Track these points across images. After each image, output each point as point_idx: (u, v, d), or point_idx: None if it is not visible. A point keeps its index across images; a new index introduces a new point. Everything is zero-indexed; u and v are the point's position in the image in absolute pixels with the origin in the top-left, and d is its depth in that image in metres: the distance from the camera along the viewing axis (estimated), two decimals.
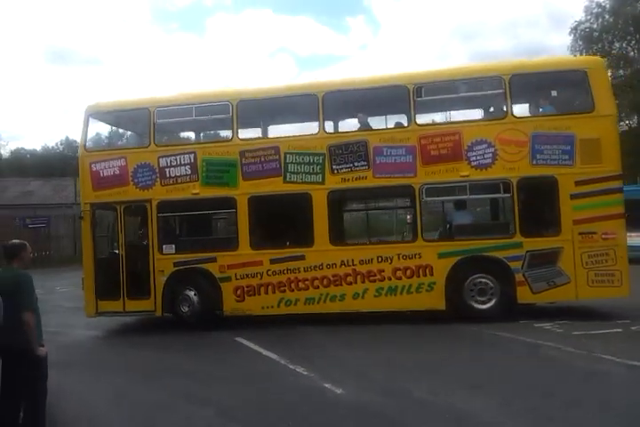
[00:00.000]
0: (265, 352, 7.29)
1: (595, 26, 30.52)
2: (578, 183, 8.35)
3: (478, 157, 8.61)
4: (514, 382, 5.63)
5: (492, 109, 9.13)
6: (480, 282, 8.61)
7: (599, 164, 8.32)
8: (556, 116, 8.62)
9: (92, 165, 9.55)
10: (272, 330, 8.74)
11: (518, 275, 8.43)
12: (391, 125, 9.30)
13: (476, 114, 9.50)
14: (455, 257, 8.59)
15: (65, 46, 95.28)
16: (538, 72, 8.73)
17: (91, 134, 10.02)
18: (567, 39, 32.02)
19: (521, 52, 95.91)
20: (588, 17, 30.71)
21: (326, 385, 5.65)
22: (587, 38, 30.44)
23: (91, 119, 9.77)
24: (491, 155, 8.58)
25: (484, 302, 8.61)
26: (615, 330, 7.77)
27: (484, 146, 8.59)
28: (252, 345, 7.77)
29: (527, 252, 8.43)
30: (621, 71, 30.16)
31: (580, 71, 8.45)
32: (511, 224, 8.62)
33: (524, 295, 8.45)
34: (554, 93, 8.93)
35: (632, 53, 30.32)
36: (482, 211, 9.13)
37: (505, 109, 8.67)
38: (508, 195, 8.58)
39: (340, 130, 9.63)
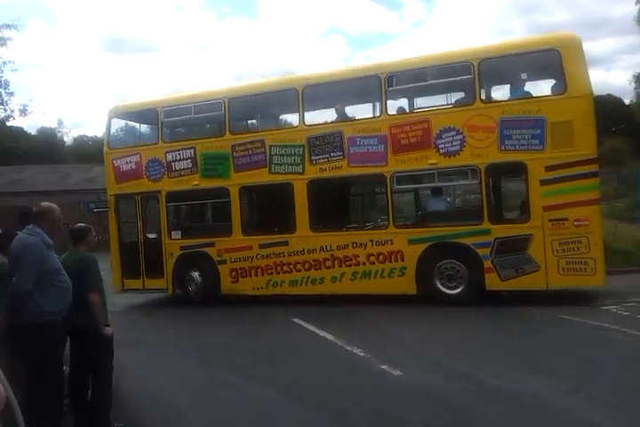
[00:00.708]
0: (321, 333, 7.32)
1: None
2: (548, 168, 8.09)
3: (447, 145, 8.63)
4: (580, 366, 5.44)
5: (462, 95, 8.97)
6: (449, 268, 8.72)
7: (571, 147, 7.97)
8: (525, 99, 8.34)
9: (114, 161, 10.94)
10: (328, 310, 8.92)
11: (487, 262, 8.43)
12: (368, 115, 9.52)
13: (447, 101, 9.37)
14: (424, 243, 8.77)
15: (121, 35, 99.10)
16: (508, 55, 8.45)
17: (113, 133, 11.41)
18: (633, 9, 29.12)
19: (582, 24, 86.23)
20: None
21: (383, 367, 5.60)
22: None
23: (113, 120, 11.14)
24: (459, 142, 8.56)
25: (453, 288, 8.72)
26: None
27: (453, 133, 8.58)
28: (308, 326, 7.83)
29: (495, 239, 8.37)
30: None
31: (553, 51, 8.06)
32: (479, 211, 8.58)
33: (492, 282, 8.45)
34: (524, 76, 8.56)
35: None
36: (451, 198, 9.08)
37: (474, 95, 8.55)
38: (476, 182, 8.52)
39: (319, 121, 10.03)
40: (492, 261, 8.41)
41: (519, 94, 8.51)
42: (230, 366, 6.13)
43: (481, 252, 8.45)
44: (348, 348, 6.47)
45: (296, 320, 8.22)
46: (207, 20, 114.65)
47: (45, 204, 4.25)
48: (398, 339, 6.90)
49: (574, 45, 8.06)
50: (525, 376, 5.16)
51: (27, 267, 3.86)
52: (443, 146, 8.65)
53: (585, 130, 7.96)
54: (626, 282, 10.44)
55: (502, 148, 8.33)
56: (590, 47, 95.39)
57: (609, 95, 57.18)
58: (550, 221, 8.09)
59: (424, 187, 9.26)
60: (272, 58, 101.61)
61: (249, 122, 10.98)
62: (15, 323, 3.93)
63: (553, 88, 8.33)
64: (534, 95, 8.45)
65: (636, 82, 29.45)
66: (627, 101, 47.98)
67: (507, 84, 8.83)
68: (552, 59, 8.04)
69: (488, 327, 7.37)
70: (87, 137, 62.90)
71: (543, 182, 8.13)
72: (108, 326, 4.46)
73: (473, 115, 8.48)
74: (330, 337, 7.08)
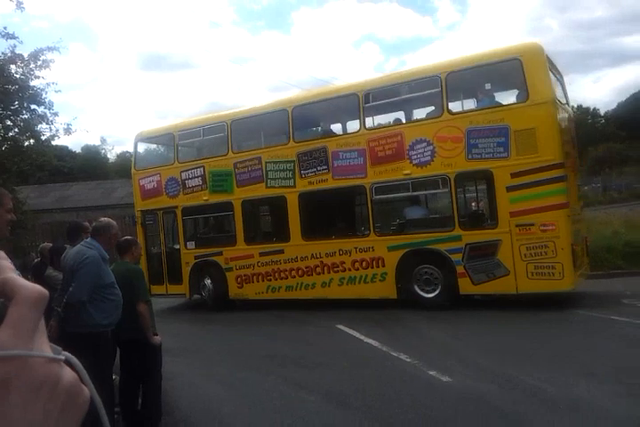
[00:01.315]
0: (366, 339, 7.27)
1: None
2: (514, 175, 8.30)
3: (419, 156, 9.06)
4: (628, 368, 5.28)
5: (432, 108, 9.35)
6: (426, 273, 9.09)
7: (535, 154, 8.14)
8: (489, 108, 8.60)
9: (140, 180, 12.30)
10: (371, 316, 8.92)
11: (459, 266, 8.72)
12: (352, 131, 10.12)
13: (421, 114, 9.76)
14: (402, 250, 9.20)
15: (158, 52, 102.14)
16: (473, 66, 8.77)
17: (139, 156, 12.81)
18: None
19: (622, 19, 79.05)
20: None
21: (431, 373, 5.52)
22: None
23: (138, 144, 12.54)
24: (430, 152, 8.96)
25: (430, 291, 9.07)
26: None
27: (424, 144, 9.00)
28: (352, 332, 7.80)
29: (466, 244, 8.66)
30: None
31: (514, 60, 8.31)
32: (451, 218, 8.89)
33: (465, 286, 8.72)
34: (488, 86, 8.81)
35: None
36: (425, 206, 9.40)
37: (442, 107, 8.93)
38: (447, 190, 8.86)
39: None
40: (464, 266, 8.70)
41: (486, 104, 8.78)
42: (276, 374, 6.09)
43: (454, 257, 8.76)
44: (394, 354, 6.40)
45: (340, 327, 8.22)
46: (242, 35, 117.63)
47: (105, 219, 4.42)
48: (442, 344, 6.85)
49: (536, 53, 8.25)
50: (573, 378, 5.06)
51: (84, 278, 3.96)
52: (415, 157, 9.09)
53: (548, 136, 8.10)
54: None
55: (469, 157, 8.64)
56: (630, 42, 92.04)
57: None
58: (517, 226, 8.27)
59: (400, 196, 9.69)
60: (307, 68, 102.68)
61: (250, 141, 11.91)
62: (67, 331, 3.98)
63: (518, 97, 8.53)
64: (498, 104, 8.70)
65: None
66: None
67: (474, 95, 9.10)
68: (514, 68, 8.28)
69: (531, 330, 7.30)
70: (129, 153, 64.91)
71: (509, 189, 8.34)
72: (156, 335, 4.50)
73: (442, 126, 8.86)
74: (375, 343, 7.00)
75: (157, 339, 4.45)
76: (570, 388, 4.82)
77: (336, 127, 10.74)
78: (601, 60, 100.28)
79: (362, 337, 7.45)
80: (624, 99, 61.04)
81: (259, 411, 5.00)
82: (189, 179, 11.61)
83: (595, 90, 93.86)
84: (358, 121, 9.74)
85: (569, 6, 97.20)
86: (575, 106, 69.70)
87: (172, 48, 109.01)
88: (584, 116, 65.09)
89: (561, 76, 9.70)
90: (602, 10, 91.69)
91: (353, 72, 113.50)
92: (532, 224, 8.17)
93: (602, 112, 65.89)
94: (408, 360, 6.09)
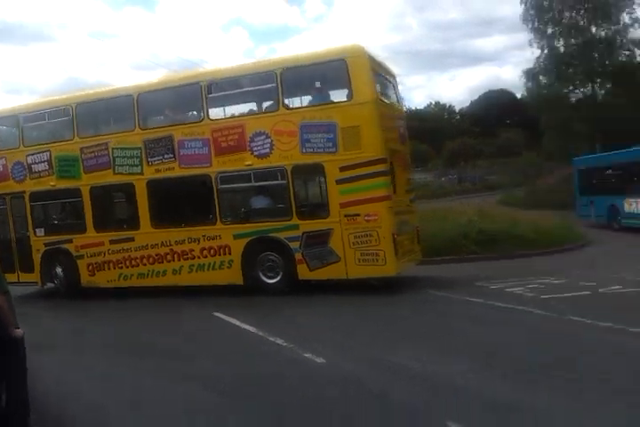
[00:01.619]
0: (243, 326, 7.39)
1: None
2: (342, 169, 8.83)
3: (259, 148, 9.35)
4: (490, 347, 5.71)
5: (270, 102, 9.65)
6: (269, 260, 9.54)
7: (360, 150, 8.70)
8: (320, 106, 9.04)
9: None
10: (247, 303, 9.13)
11: (297, 254, 9.23)
12: (196, 120, 10.16)
13: (260, 107, 10.05)
14: (247, 238, 9.56)
15: (5, 21, 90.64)
16: (305, 65, 9.14)
17: None
18: (519, 9, 30.34)
19: (475, 21, 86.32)
20: None
21: (307, 355, 5.72)
22: (538, 8, 29.70)
23: None
24: (269, 145, 9.28)
25: (272, 277, 9.56)
26: (583, 293, 8.13)
27: (263, 137, 9.30)
28: (230, 319, 7.85)
29: (303, 233, 9.17)
30: (573, 40, 29.22)
31: (340, 61, 8.73)
32: (289, 208, 9.34)
33: (303, 272, 9.27)
34: (318, 85, 9.22)
35: (582, 23, 29.24)
36: (267, 196, 9.84)
37: (278, 102, 9.22)
38: (285, 181, 9.27)
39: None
40: (302, 253, 9.21)
41: (317, 101, 9.19)
42: (152, 365, 6.00)
43: (292, 245, 9.25)
44: (271, 338, 6.57)
45: (218, 314, 8.24)
46: (101, 9, 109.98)
47: None
48: (316, 329, 7.16)
49: (359, 56, 8.71)
50: (439, 357, 5.44)
51: None
52: (256, 149, 9.38)
53: (370, 133, 8.66)
54: (529, 265, 11.53)
55: (303, 150, 9.06)
56: (482, 44, 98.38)
57: (502, 90, 58.96)
58: (346, 216, 8.86)
59: (244, 186, 9.98)
60: (175, 49, 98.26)
61: (97, 126, 11.59)
62: None
63: (347, 96, 8.99)
64: (327, 102, 9.14)
65: (525, 77, 30.62)
66: (518, 95, 49.87)
67: (307, 91, 9.48)
68: (340, 68, 8.71)
69: (398, 312, 7.80)
70: None
71: (339, 182, 8.88)
72: (18, 328, 4.18)
73: (278, 120, 9.18)
74: (252, 329, 7.16)
75: (19, 332, 4.15)
76: (433, 366, 5.18)
77: (184, 116, 10.71)
78: (456, 59, 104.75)
79: (239, 324, 7.58)
80: (477, 97, 65.17)
81: (136, 405, 4.85)
82: (35, 163, 11.17)
83: (451, 88, 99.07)
84: (202, 111, 9.81)
85: (427, 6, 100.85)
86: (433, 102, 72.17)
87: (24, 18, 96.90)
88: (441, 112, 69.71)
89: (392, 77, 10.31)
90: (456, 12, 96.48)
91: (222, 56, 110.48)
92: (358, 215, 8.80)
93: (457, 109, 70.52)
94: (284, 344, 6.30)
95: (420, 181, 40.45)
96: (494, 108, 56.69)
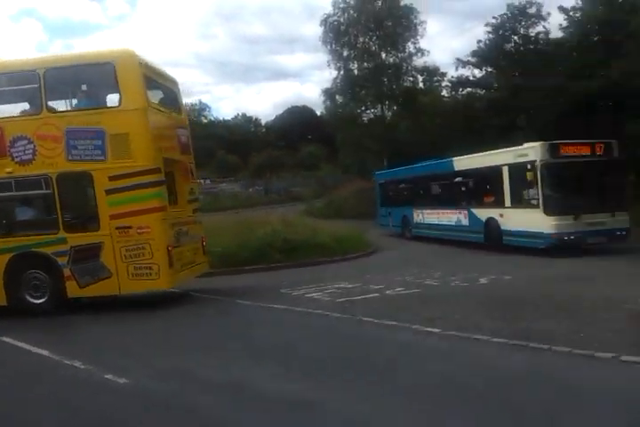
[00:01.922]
0: (35, 349, 6.73)
1: (342, 19, 32.34)
2: (112, 178, 8.45)
3: (20, 153, 8.56)
4: (290, 349, 5.93)
5: (31, 104, 8.95)
6: (35, 277, 8.70)
7: (130, 158, 8.43)
8: (87, 110, 8.64)
9: None
10: (40, 324, 8.26)
11: (66, 270, 8.57)
12: None
13: (21, 109, 9.30)
14: (9, 254, 8.60)
15: None
16: (71, 66, 8.68)
17: None
18: (319, 30, 33.43)
19: (279, 38, 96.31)
20: (336, 10, 32.50)
21: (107, 376, 5.40)
22: (335, 31, 32.16)
23: None
24: (31, 151, 8.53)
25: (39, 297, 8.72)
26: (372, 295, 8.79)
27: (25, 142, 8.53)
28: (19, 344, 7.16)
29: (72, 247, 8.54)
30: (365, 64, 32.31)
31: (108, 64, 8.42)
32: (55, 220, 8.64)
33: (72, 290, 8.63)
34: (84, 87, 8.87)
35: (374, 48, 32.43)
36: (32, 207, 9.12)
37: (41, 104, 8.54)
38: (50, 191, 8.59)
39: None
40: (70, 269, 8.57)
41: (85, 105, 8.73)
42: None
43: (60, 260, 8.56)
44: (68, 362, 6.05)
45: (5, 339, 7.37)
46: None
47: None
48: (116, 347, 6.71)
49: (129, 60, 8.46)
50: (245, 364, 5.53)
51: None
52: (17, 154, 8.56)
53: (141, 142, 8.43)
54: (328, 271, 12.23)
55: (69, 157, 8.50)
56: (286, 61, 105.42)
57: (304, 106, 64.56)
58: (117, 229, 8.48)
59: (5, 196, 8.96)
60: None
61: None
62: None
63: (111, 100, 8.68)
64: (95, 107, 8.75)
65: (324, 96, 33.50)
66: (318, 113, 53.50)
67: (73, 94, 8.99)
68: (109, 72, 8.39)
69: (200, 323, 7.93)
70: None
71: (108, 192, 8.47)
72: None
73: (41, 124, 8.50)
74: (46, 353, 6.50)
75: None
76: (232, 373, 5.23)
77: None
78: (262, 73, 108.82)
79: (30, 348, 6.85)
80: (281, 112, 68.95)
81: None
82: None
83: (257, 101, 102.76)
84: None
85: (233, 18, 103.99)
86: (240, 114, 75.09)
87: None
88: (247, 124, 72.64)
89: (173, 84, 10.22)
90: (261, 27, 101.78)
91: (13, 48, 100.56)
92: (130, 227, 8.48)
93: (263, 122, 73.85)
94: (82, 367, 5.85)
95: (229, 192, 41.09)
96: (297, 124, 59.89)
